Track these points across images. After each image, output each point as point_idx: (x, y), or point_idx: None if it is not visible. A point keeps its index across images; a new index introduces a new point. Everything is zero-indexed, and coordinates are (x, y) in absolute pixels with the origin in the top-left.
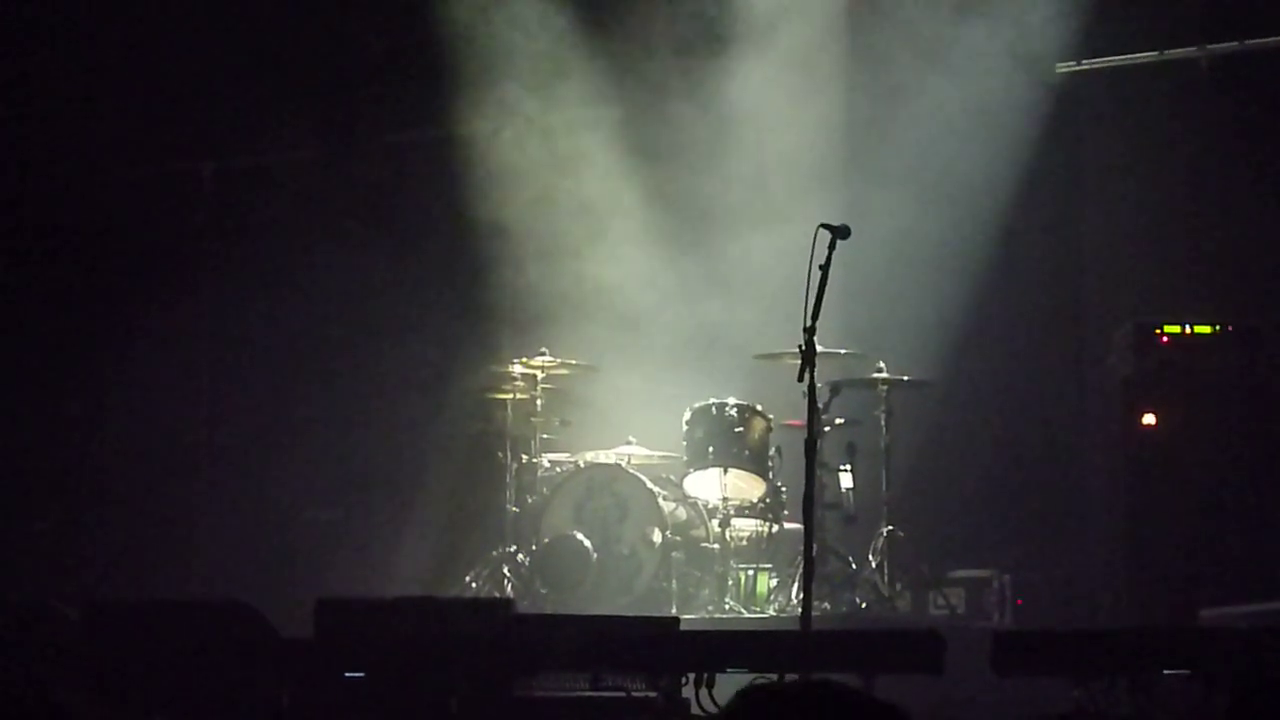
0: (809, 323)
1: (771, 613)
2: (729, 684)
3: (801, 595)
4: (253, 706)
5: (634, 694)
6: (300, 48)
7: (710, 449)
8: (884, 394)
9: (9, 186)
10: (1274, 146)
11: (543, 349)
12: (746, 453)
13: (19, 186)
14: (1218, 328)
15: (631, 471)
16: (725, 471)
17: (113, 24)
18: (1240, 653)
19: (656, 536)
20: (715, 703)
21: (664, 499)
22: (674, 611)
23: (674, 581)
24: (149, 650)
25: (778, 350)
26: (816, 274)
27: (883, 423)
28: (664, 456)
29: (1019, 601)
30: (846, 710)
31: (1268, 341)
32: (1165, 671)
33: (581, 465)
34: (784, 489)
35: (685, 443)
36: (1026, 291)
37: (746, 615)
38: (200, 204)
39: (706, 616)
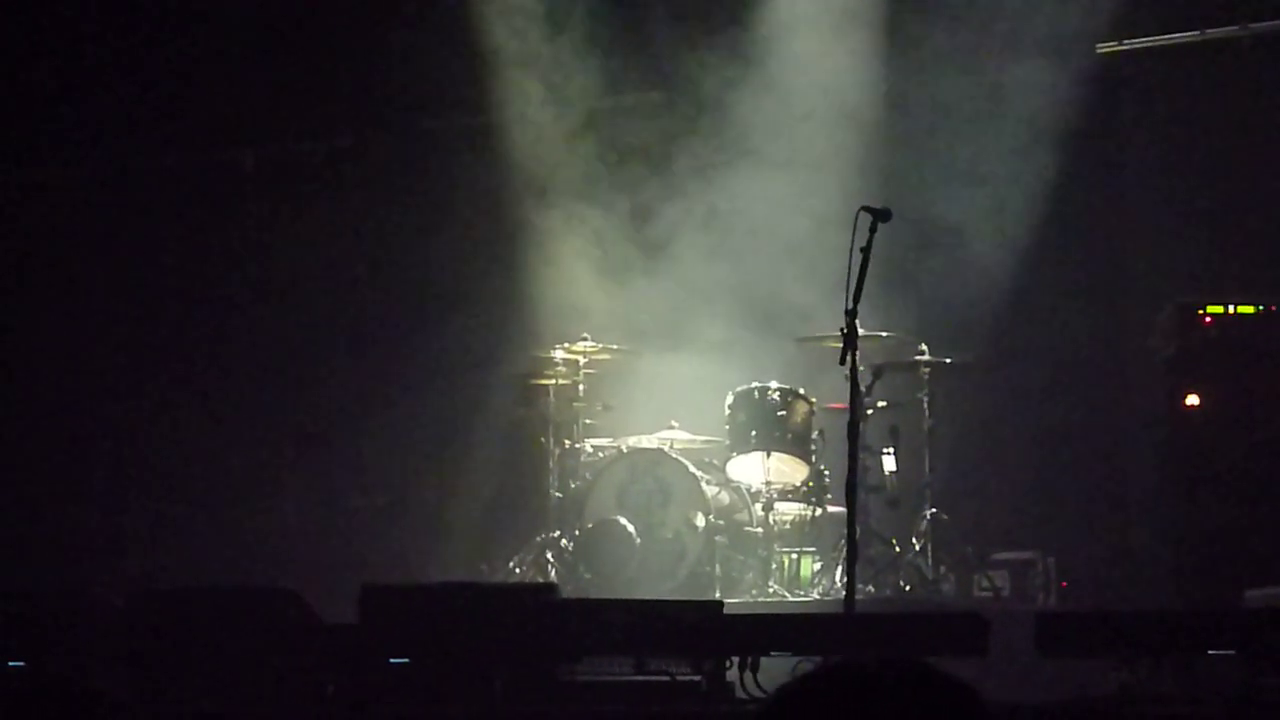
0: (851, 305)
1: (815, 596)
2: (773, 667)
3: (845, 579)
4: (298, 692)
5: (678, 678)
6: (337, 33)
7: (753, 433)
8: (926, 377)
9: (45, 178)
10: None
11: (585, 334)
12: (789, 436)
13: (58, 178)
14: (1260, 308)
15: (674, 456)
16: (768, 455)
17: (151, 11)
18: None
19: (700, 521)
20: (760, 686)
21: (707, 483)
22: (718, 595)
23: (717, 565)
24: (194, 637)
25: (820, 333)
26: (858, 257)
27: (925, 405)
28: (707, 441)
29: (1063, 583)
30: (918, 688)
31: None
32: (1210, 652)
33: (624, 450)
34: (827, 472)
35: (728, 427)
36: (1069, 273)
37: (790, 599)
38: (241, 192)
39: (750, 600)
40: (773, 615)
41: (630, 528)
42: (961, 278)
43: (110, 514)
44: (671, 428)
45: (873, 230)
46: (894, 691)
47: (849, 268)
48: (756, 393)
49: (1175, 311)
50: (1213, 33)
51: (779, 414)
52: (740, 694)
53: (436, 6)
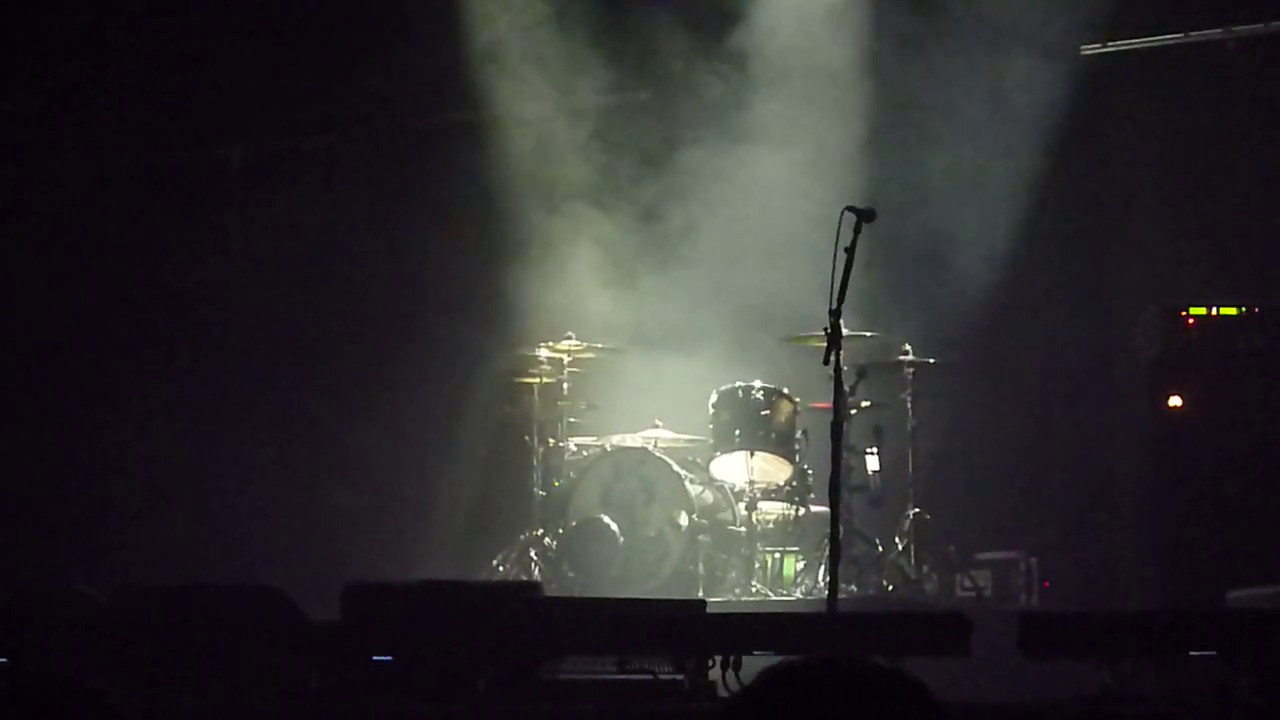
0: (835, 305)
1: (798, 595)
2: (756, 666)
3: (828, 578)
4: (281, 689)
5: (661, 676)
6: (326, 29)
7: (737, 432)
8: (910, 376)
9: (34, 175)
10: None
11: (569, 333)
12: (773, 436)
13: (45, 175)
14: (1244, 309)
15: (658, 455)
16: (752, 454)
17: (137, 9)
18: (1267, 634)
19: (683, 520)
20: (742, 685)
21: (691, 482)
22: (701, 594)
23: (701, 564)
24: (178, 634)
25: (804, 333)
26: (842, 257)
27: (909, 405)
28: (690, 440)
29: (1046, 584)
30: (868, 686)
31: None
32: (1192, 653)
33: (608, 449)
34: (810, 472)
35: (712, 426)
36: (1052, 273)
37: (773, 598)
38: (228, 188)
39: (733, 599)
40: (756, 615)
41: (614, 526)
42: (946, 278)
43: (94, 510)
44: (655, 426)
45: (857, 230)
46: (845, 691)
47: (833, 268)
48: (740, 392)
49: (1159, 313)
50: (1196, 35)
51: (763, 413)
52: (723, 693)
53: (425, 2)
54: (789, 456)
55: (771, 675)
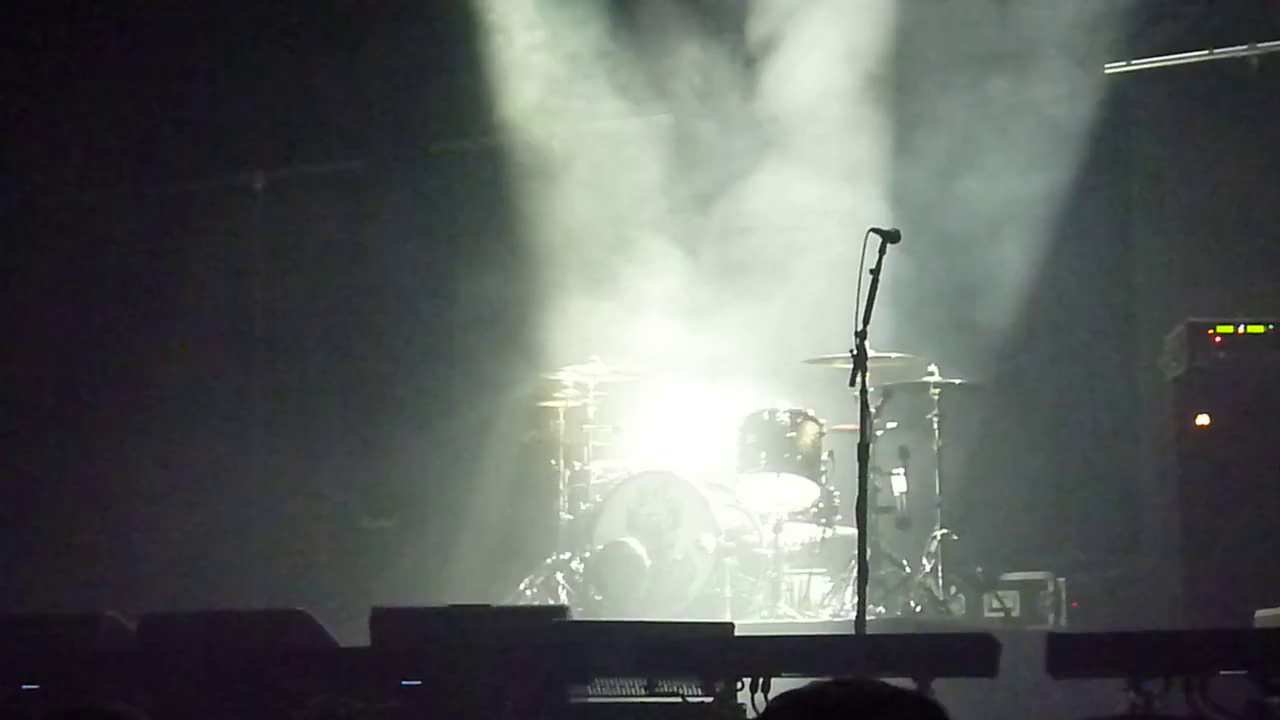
0: (860, 327)
1: (825, 617)
2: (784, 688)
3: (855, 599)
4: (309, 715)
5: (689, 699)
6: (348, 59)
7: (762, 454)
8: (936, 397)
9: (57, 202)
10: None
11: (594, 356)
12: (799, 458)
13: (68, 201)
14: (1271, 326)
15: (684, 478)
16: (778, 477)
17: (161, 37)
18: None
19: (709, 542)
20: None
21: (716, 505)
22: (728, 617)
23: (728, 587)
24: (207, 660)
25: (829, 355)
26: (867, 278)
27: (935, 426)
28: (716, 462)
29: (1074, 604)
30: (884, 710)
31: None
32: (1221, 673)
33: (634, 472)
34: (837, 493)
35: (737, 448)
36: (1078, 292)
37: (801, 620)
38: (252, 216)
39: (761, 621)
40: (783, 637)
41: (640, 549)
42: (970, 298)
43: (121, 536)
44: (681, 450)
45: (882, 252)
46: (860, 715)
47: (858, 289)
48: (766, 414)
49: (1185, 331)
50: (1221, 53)
51: (788, 435)
52: (751, 715)
53: (448, 27)
54: (815, 478)
55: (786, 701)
